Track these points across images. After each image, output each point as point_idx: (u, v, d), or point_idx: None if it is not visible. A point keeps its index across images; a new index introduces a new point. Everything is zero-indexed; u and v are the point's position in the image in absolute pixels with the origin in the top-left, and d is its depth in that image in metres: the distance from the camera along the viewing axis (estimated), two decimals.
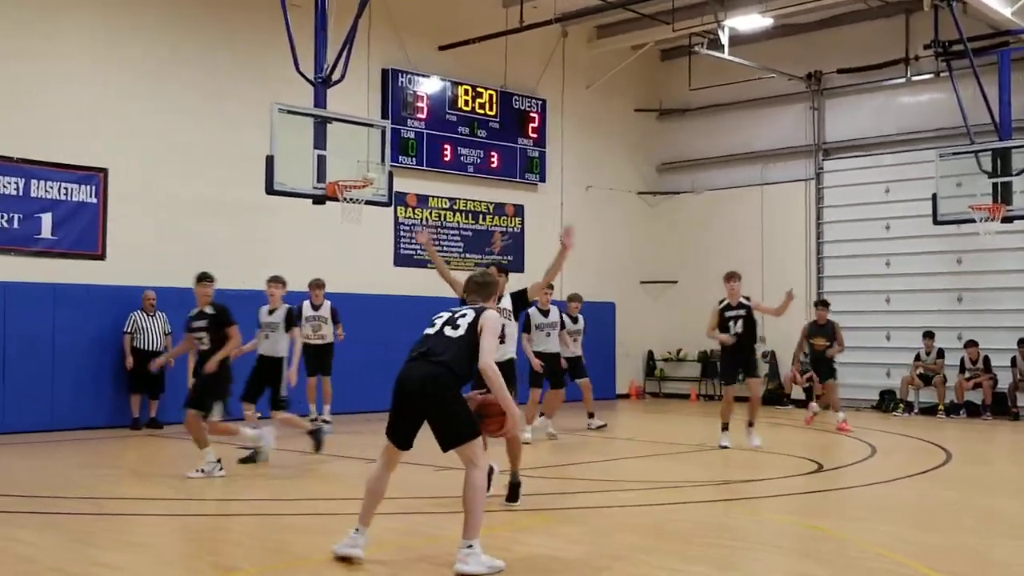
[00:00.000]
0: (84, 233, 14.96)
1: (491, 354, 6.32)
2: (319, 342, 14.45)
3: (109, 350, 14.91)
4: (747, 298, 12.79)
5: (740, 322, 12.60)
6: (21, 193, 14.42)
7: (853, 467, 11.49)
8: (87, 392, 14.63)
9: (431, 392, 6.24)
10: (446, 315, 6.59)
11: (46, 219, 14.64)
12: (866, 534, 7.61)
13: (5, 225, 14.26)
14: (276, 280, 12.45)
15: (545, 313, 13.73)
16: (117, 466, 11.63)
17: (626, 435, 14.97)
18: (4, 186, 14.29)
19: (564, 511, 8.60)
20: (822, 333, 16.16)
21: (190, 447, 10.46)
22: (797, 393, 19.37)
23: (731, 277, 12.72)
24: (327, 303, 14.62)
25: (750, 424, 12.65)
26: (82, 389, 14.61)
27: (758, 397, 12.91)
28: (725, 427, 12.61)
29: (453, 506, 8.52)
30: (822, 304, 16.62)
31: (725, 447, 12.38)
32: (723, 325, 12.61)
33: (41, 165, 14.58)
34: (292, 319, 12.12)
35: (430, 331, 6.54)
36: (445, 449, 6.31)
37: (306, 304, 14.46)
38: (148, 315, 14.88)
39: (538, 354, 13.48)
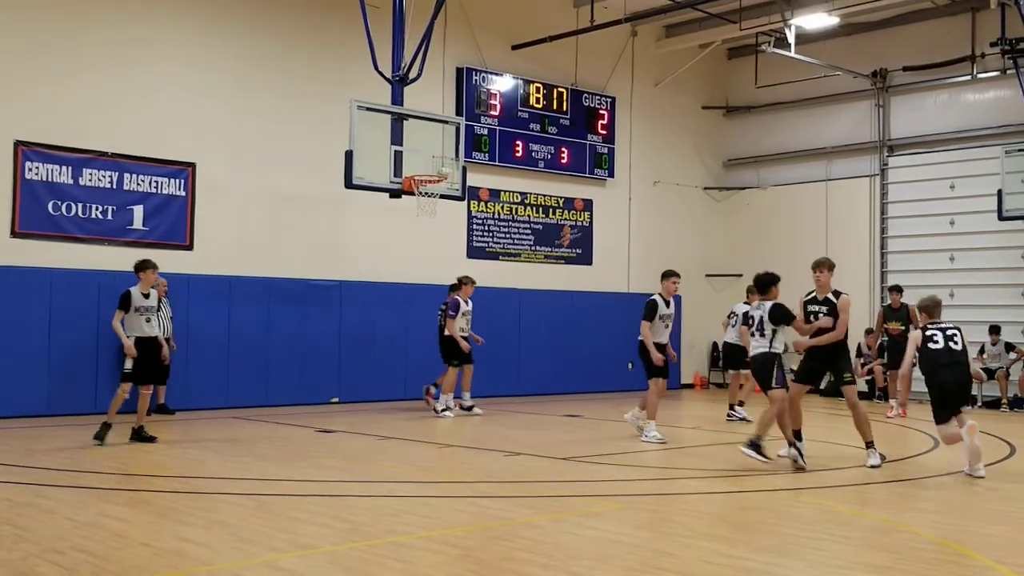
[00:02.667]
0: (173, 224, 15.72)
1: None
2: (465, 335, 15.37)
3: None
4: (836, 294, 10.51)
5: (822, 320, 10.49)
6: (115, 186, 15.19)
7: (916, 459, 11.47)
8: (104, 378, 14.71)
9: None
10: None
11: (138, 211, 15.37)
12: (929, 526, 7.70)
13: (100, 216, 15.04)
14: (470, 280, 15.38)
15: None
16: (187, 446, 12.24)
17: (691, 424, 15.29)
18: (99, 179, 15.07)
19: (631, 497, 8.77)
20: (897, 317, 16.25)
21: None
22: (860, 386, 19.55)
23: (818, 266, 10.65)
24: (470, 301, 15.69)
25: (868, 444, 10.50)
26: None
27: (855, 404, 10.39)
28: (797, 436, 10.36)
29: (521, 491, 9.05)
30: (895, 289, 16.70)
31: (800, 465, 10.21)
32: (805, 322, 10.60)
33: (134, 160, 15.33)
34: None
35: None
36: None
37: (461, 301, 15.32)
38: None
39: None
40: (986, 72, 19.41)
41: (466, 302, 15.37)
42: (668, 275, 12.94)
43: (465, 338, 15.19)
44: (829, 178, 21.66)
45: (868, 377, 19.41)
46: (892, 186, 20.88)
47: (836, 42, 20.77)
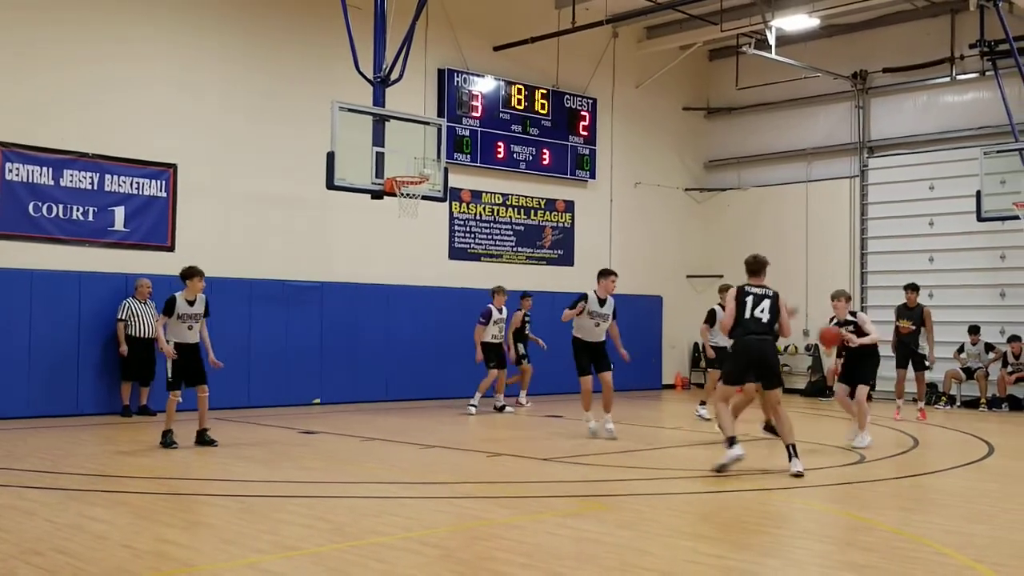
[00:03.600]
0: (155, 226, 15.67)
1: None
2: (497, 341, 16.11)
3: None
4: (853, 314, 12.67)
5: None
6: (96, 187, 15.13)
7: (896, 458, 11.55)
8: (86, 380, 14.77)
9: None
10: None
11: (119, 212, 15.31)
12: (909, 524, 7.75)
13: (81, 218, 14.99)
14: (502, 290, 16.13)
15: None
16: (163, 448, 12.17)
17: (672, 424, 15.36)
18: (80, 180, 14.99)
19: (612, 498, 8.81)
20: (909, 316, 15.97)
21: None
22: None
23: (836, 297, 12.63)
24: (505, 309, 16.25)
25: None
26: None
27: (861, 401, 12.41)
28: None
29: (503, 491, 9.07)
30: (911, 287, 16.11)
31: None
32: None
33: (114, 161, 15.27)
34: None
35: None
36: None
37: (494, 309, 15.96)
38: (141, 303, 14.86)
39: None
40: (965, 74, 19.56)
41: (499, 310, 16.04)
42: (605, 273, 12.96)
43: (499, 344, 16.05)
44: (810, 179, 21.79)
45: None
46: (872, 187, 21.02)
47: (816, 44, 20.90)
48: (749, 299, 10.16)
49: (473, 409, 15.63)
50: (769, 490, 9.26)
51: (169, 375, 11.37)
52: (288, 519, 7.62)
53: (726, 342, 12.76)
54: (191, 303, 11.40)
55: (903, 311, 16.12)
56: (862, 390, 12.43)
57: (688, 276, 23.01)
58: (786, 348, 21.45)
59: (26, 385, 14.13)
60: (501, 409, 16.03)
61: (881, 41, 20.72)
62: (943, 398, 18.53)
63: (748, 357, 10.01)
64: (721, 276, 22.34)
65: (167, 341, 11.27)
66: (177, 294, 11.42)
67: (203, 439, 11.53)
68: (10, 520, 7.37)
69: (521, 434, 13.37)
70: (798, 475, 9.63)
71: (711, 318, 14.48)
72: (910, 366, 16.07)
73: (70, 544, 6.67)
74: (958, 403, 18.48)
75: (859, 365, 12.52)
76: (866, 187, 21.06)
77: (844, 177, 21.30)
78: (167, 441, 11.28)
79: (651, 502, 8.68)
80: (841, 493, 9.37)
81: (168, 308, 11.31)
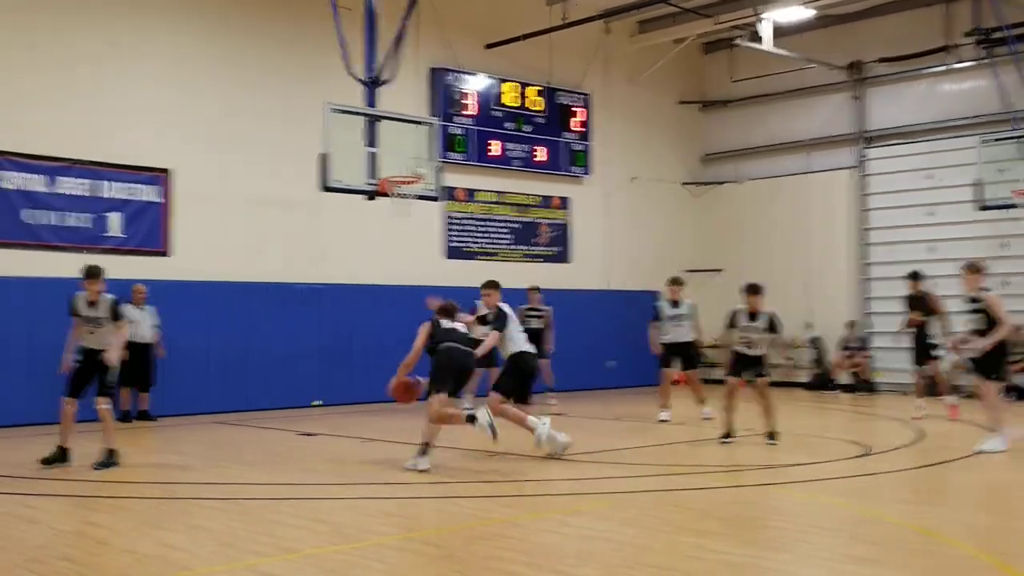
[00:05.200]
0: (150, 231, 15.63)
1: None
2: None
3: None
4: (984, 291, 11.36)
5: (977, 316, 11.26)
6: (90, 194, 15.11)
7: (902, 451, 11.46)
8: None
9: None
10: None
11: (114, 218, 15.32)
12: (915, 516, 7.73)
13: (76, 224, 14.96)
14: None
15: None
16: (167, 453, 12.15)
17: (676, 420, 15.28)
18: (74, 187, 14.98)
19: (616, 495, 8.73)
20: (918, 306, 14.76)
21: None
22: (844, 378, 19.66)
23: (968, 268, 11.54)
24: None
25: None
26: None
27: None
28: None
29: (504, 490, 9.01)
30: (913, 276, 15.18)
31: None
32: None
33: (109, 167, 15.25)
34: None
35: None
36: None
37: (521, 309, 15.45)
38: (138, 308, 14.75)
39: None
40: (961, 62, 19.47)
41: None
42: (754, 290, 12.21)
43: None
44: (808, 171, 21.71)
45: (854, 370, 19.49)
46: (871, 178, 20.93)
47: (812, 34, 20.81)
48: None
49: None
50: (772, 485, 9.22)
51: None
52: (287, 521, 7.61)
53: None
54: (91, 304, 10.42)
55: (913, 302, 15.03)
56: (989, 386, 11.19)
57: (687, 271, 22.87)
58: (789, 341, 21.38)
59: (25, 392, 14.05)
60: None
61: (877, 31, 20.63)
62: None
63: None
64: (720, 270, 22.35)
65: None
66: (78, 294, 10.53)
67: (105, 459, 10.26)
68: (13, 528, 7.37)
69: (519, 432, 13.29)
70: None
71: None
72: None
73: (73, 551, 6.73)
74: (964, 393, 18.34)
75: (987, 356, 11.10)
76: (865, 178, 20.97)
77: (843, 168, 21.22)
78: (53, 457, 10.24)
79: (654, 499, 8.62)
80: (846, 487, 9.32)
81: (70, 308, 10.46)
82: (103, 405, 10.30)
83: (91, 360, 10.41)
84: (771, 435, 11.80)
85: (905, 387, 19.15)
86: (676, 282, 14.89)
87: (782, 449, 11.48)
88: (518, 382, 11.09)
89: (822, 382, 20.22)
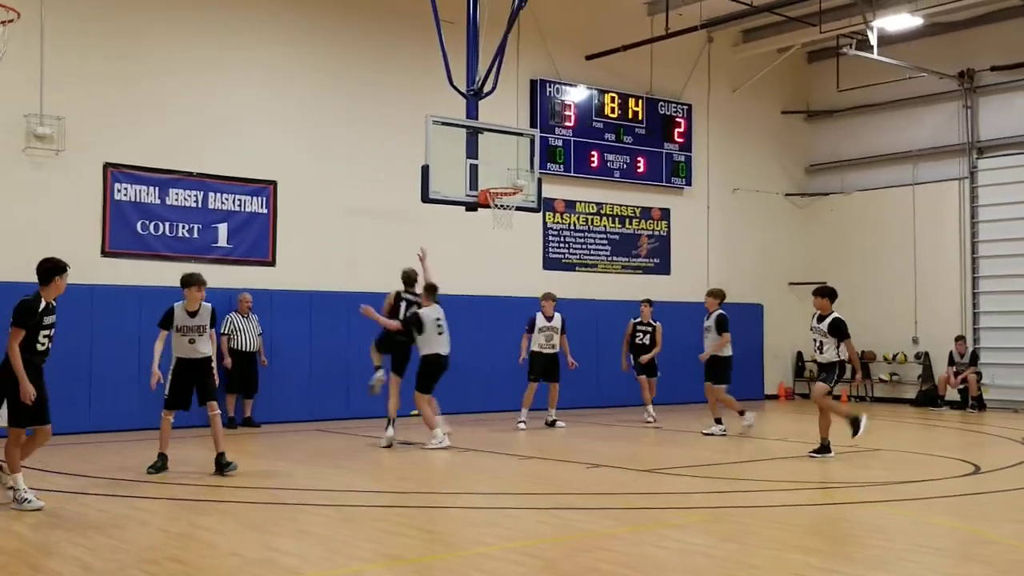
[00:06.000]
0: (256, 242, 16.00)
1: None
2: (551, 351, 15.45)
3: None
4: None
5: None
6: (200, 205, 15.54)
7: (1011, 469, 11.14)
8: None
9: None
10: None
11: (222, 229, 15.71)
12: None
13: (186, 235, 15.39)
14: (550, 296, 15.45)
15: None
16: (277, 459, 12.36)
17: (777, 435, 15.04)
18: (185, 199, 15.41)
19: (716, 510, 8.63)
20: None
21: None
22: (951, 395, 19.11)
23: None
24: (557, 315, 15.56)
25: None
26: None
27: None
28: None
29: (604, 503, 8.97)
30: None
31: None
32: None
33: (217, 179, 15.67)
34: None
35: None
36: None
37: (539, 316, 15.49)
38: (244, 317, 15.22)
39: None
40: None
41: (547, 318, 15.51)
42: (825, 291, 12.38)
43: (548, 355, 15.36)
44: (916, 182, 21.18)
45: (961, 386, 18.93)
46: (982, 189, 20.33)
47: (920, 42, 20.32)
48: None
49: (523, 425, 15.09)
50: (879, 502, 8.99)
51: (166, 393, 10.38)
52: (390, 528, 7.69)
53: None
54: (192, 314, 10.26)
55: None
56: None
57: (791, 283, 22.54)
58: (895, 356, 20.91)
59: (137, 398, 14.45)
60: (552, 424, 15.40)
61: (988, 38, 20.05)
62: None
63: None
64: (824, 283, 21.91)
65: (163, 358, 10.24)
66: (176, 305, 10.31)
67: (220, 464, 10.22)
68: (127, 530, 7.57)
69: (619, 445, 13.23)
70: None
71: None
72: None
73: (183, 553, 6.87)
74: None
75: None
76: (976, 189, 20.38)
77: (952, 179, 20.65)
78: (157, 466, 10.26)
79: (756, 514, 8.48)
80: (954, 505, 9.05)
81: (165, 320, 10.23)
82: (215, 411, 10.33)
83: (190, 370, 10.32)
84: (819, 447, 11.67)
85: (1017, 404, 18.59)
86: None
87: (887, 467, 11.23)
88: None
89: (929, 398, 19.67)
